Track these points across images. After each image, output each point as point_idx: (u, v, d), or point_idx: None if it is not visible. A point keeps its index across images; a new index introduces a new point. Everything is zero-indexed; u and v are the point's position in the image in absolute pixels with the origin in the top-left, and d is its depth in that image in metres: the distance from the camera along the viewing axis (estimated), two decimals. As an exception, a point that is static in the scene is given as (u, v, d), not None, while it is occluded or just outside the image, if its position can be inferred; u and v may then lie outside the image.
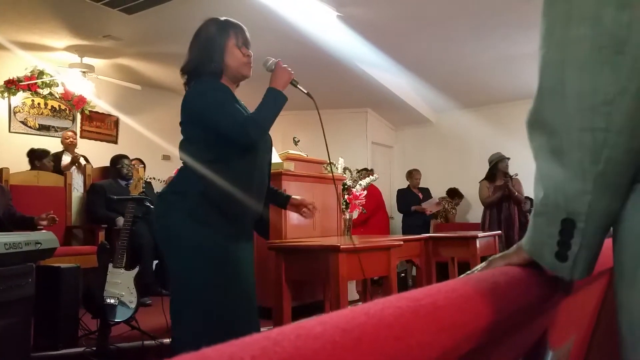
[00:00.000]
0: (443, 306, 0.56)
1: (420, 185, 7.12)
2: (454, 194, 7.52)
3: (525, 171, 5.80)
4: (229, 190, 1.79)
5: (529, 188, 6.02)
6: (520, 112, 6.94)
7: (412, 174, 7.02)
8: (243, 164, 1.84)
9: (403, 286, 5.00)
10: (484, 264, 0.81)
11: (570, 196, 0.60)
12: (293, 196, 2.23)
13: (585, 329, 1.22)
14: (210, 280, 1.77)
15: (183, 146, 1.88)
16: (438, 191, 7.52)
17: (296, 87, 2.00)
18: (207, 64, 1.85)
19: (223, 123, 1.78)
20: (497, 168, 5.62)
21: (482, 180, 5.79)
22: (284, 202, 2.22)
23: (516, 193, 5.52)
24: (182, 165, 1.92)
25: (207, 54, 1.86)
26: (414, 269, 5.66)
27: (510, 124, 7.24)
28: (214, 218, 1.79)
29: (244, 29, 1.93)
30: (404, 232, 6.49)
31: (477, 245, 3.94)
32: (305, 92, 2.03)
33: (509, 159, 5.70)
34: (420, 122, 8.16)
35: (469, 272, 0.81)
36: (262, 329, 3.36)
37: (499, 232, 4.95)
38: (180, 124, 1.89)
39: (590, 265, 0.65)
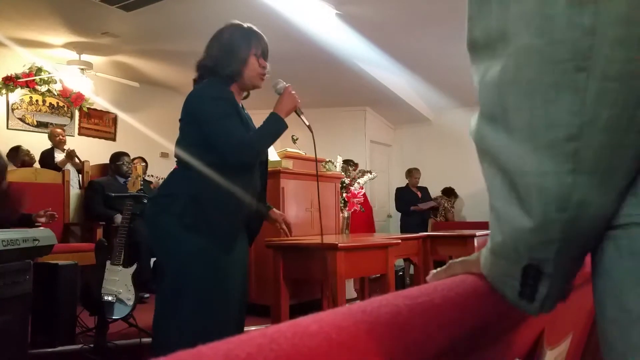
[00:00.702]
0: (440, 304, 0.56)
1: (419, 184, 7.12)
2: (449, 193, 7.51)
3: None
4: (221, 194, 1.78)
5: None
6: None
7: (411, 173, 7.02)
8: (237, 169, 1.83)
9: (401, 284, 5.01)
10: (443, 267, 0.74)
11: (534, 246, 0.50)
12: (274, 209, 2.20)
13: (582, 327, 1.22)
14: (195, 286, 1.75)
15: (180, 145, 1.87)
16: (436, 190, 7.53)
17: (299, 117, 2.00)
18: (224, 67, 1.85)
19: (219, 138, 1.77)
20: None
21: None
22: (265, 212, 2.18)
23: None
24: (175, 167, 1.92)
25: (227, 58, 1.85)
26: (412, 267, 5.68)
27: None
28: (203, 223, 1.77)
29: (264, 40, 1.93)
30: (402, 231, 6.50)
31: (475, 243, 3.95)
32: (307, 124, 2.03)
33: None
34: (418, 121, 8.16)
35: (430, 274, 0.75)
36: (260, 327, 3.37)
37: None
38: (180, 120, 1.88)
39: (563, 296, 0.57)
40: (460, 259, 0.73)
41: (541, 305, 0.55)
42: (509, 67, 0.45)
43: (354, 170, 5.06)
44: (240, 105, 1.96)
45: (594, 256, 0.53)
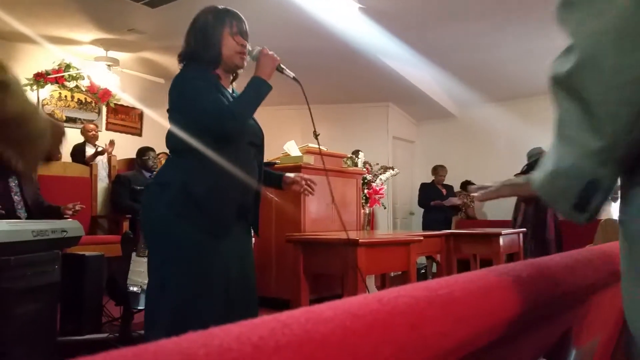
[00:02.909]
0: (460, 297, 0.55)
1: (444, 182, 7.02)
2: (467, 186, 7.37)
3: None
4: (213, 180, 1.76)
5: None
6: (547, 106, 6.86)
7: (437, 170, 6.90)
8: (228, 156, 1.78)
9: (423, 282, 4.96)
10: (492, 188, 0.89)
11: (601, 163, 0.61)
12: (286, 174, 2.14)
13: (611, 329, 1.19)
14: (183, 275, 1.72)
15: (168, 135, 1.86)
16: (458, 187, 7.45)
17: (282, 72, 1.93)
18: (203, 52, 1.83)
19: (200, 112, 1.74)
20: (537, 164, 5.50)
21: (518, 174, 5.69)
22: (278, 182, 2.13)
23: None
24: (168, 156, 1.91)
25: (203, 42, 1.83)
26: (435, 265, 5.62)
27: (537, 119, 7.09)
28: (193, 211, 1.74)
29: (241, 18, 1.89)
30: (425, 228, 6.44)
31: (501, 242, 3.89)
32: (292, 76, 1.95)
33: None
34: (443, 117, 8.06)
35: (473, 193, 0.94)
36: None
37: (524, 229, 4.87)
38: (167, 110, 1.87)
39: (604, 205, 0.68)
40: (509, 181, 0.87)
41: (590, 215, 0.66)
42: (611, 22, 0.56)
43: (362, 157, 4.96)
44: (231, 90, 1.93)
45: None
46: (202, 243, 1.75)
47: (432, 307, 0.52)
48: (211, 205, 1.76)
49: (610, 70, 0.57)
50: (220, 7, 1.90)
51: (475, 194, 0.90)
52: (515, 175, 5.74)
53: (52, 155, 0.87)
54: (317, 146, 4.15)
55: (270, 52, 1.87)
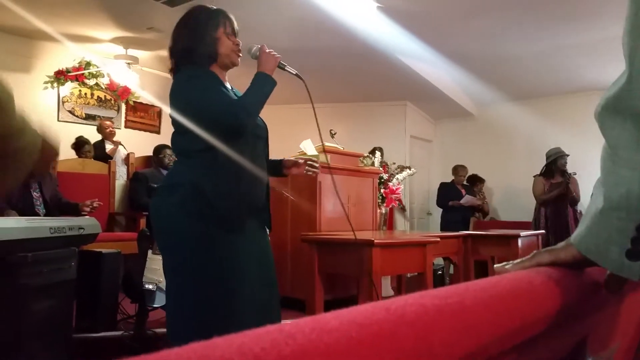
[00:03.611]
0: (470, 306, 0.53)
1: (464, 182, 6.94)
2: (475, 180, 7.26)
3: (570, 166, 5.63)
4: (219, 180, 1.75)
5: (585, 188, 5.82)
6: (570, 105, 6.68)
7: (457, 170, 6.81)
8: (235, 150, 1.78)
9: (440, 284, 4.93)
10: (528, 257, 0.76)
11: None
12: (284, 159, 2.13)
13: (631, 337, 1.16)
14: (199, 274, 1.72)
15: (173, 137, 1.86)
16: (478, 187, 7.37)
17: (284, 69, 1.95)
18: (198, 51, 1.84)
19: (210, 108, 1.75)
20: (555, 164, 5.43)
21: (537, 175, 5.61)
22: (279, 169, 2.12)
23: (573, 193, 5.33)
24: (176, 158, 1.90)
25: (199, 41, 1.84)
26: (452, 266, 5.57)
27: (560, 118, 7.00)
28: (205, 210, 1.73)
29: (232, 19, 1.92)
30: (443, 229, 6.38)
31: (519, 244, 3.84)
32: (294, 72, 1.97)
33: (568, 155, 5.49)
34: (461, 115, 7.98)
35: (508, 264, 0.77)
36: (291, 321, 3.38)
37: (543, 231, 4.81)
38: (170, 114, 1.86)
39: None
40: (547, 248, 0.73)
41: None
42: None
43: (378, 157, 4.93)
44: (230, 87, 1.94)
45: None
46: (216, 239, 1.75)
47: (441, 317, 0.50)
48: (223, 201, 1.76)
49: None
50: (211, 6, 1.92)
51: (508, 267, 0.79)
52: (533, 176, 5.66)
53: (39, 173, 0.84)
54: (334, 145, 4.14)
55: (269, 50, 1.89)
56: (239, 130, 1.78)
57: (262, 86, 1.83)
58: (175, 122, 1.84)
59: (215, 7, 1.91)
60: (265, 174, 1.94)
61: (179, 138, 1.84)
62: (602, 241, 0.60)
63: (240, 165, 1.79)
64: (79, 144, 5.51)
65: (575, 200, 5.40)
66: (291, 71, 1.97)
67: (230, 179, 1.77)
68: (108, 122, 5.98)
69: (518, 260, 0.76)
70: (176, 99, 1.82)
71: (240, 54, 1.92)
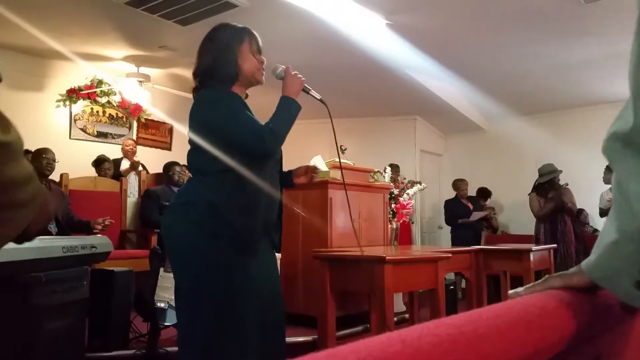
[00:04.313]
0: (484, 334, 0.53)
1: (469, 194, 6.90)
2: (484, 194, 7.21)
3: (580, 180, 5.59)
4: (237, 201, 1.74)
5: (582, 198, 5.79)
6: (579, 119, 6.66)
7: (457, 185, 6.74)
8: (254, 174, 1.78)
9: (452, 299, 4.88)
10: (540, 281, 0.77)
11: None
12: (293, 169, 2.13)
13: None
14: (214, 293, 1.70)
15: (191, 156, 1.84)
16: (488, 201, 7.33)
17: (308, 93, 1.94)
18: (222, 68, 1.83)
19: (238, 133, 1.73)
20: (549, 182, 5.40)
21: (531, 193, 5.59)
22: (289, 179, 2.10)
23: (569, 204, 5.29)
24: (190, 175, 1.88)
25: (223, 58, 1.83)
26: (464, 281, 5.52)
27: (566, 133, 6.98)
28: (221, 229, 1.72)
29: (257, 36, 1.91)
30: (454, 244, 6.34)
31: (531, 259, 3.80)
32: (318, 98, 1.96)
33: (561, 171, 5.48)
34: (471, 130, 7.97)
35: (520, 289, 0.78)
36: (306, 338, 3.36)
37: (554, 245, 4.76)
38: (188, 133, 1.84)
39: None
40: (558, 273, 0.75)
41: None
42: None
43: (397, 175, 4.94)
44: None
45: None
46: (233, 262, 1.73)
47: (456, 347, 0.50)
48: (240, 223, 1.75)
49: None
50: (237, 24, 1.91)
51: (520, 291, 0.80)
52: (528, 194, 5.62)
53: (33, 231, 0.74)
54: (344, 161, 4.15)
55: (295, 72, 1.88)
56: (266, 156, 1.79)
57: (289, 111, 1.82)
58: (193, 141, 1.82)
59: (239, 25, 1.91)
60: (279, 194, 1.94)
61: (196, 156, 1.82)
62: (614, 272, 0.61)
63: (258, 187, 1.78)
64: (99, 162, 5.57)
65: (572, 212, 5.37)
66: (315, 96, 1.95)
67: (248, 200, 1.77)
68: (130, 141, 6.06)
69: (530, 284, 0.77)
70: (199, 120, 1.81)
71: (264, 72, 1.90)
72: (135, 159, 5.87)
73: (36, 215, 0.70)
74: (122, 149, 6.00)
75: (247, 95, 1.95)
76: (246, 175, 1.75)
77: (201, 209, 1.73)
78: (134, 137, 6.75)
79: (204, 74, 1.87)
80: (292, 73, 1.87)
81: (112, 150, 6.16)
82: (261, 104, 1.96)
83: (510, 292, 0.77)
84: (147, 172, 5.80)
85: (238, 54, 1.84)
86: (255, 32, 1.91)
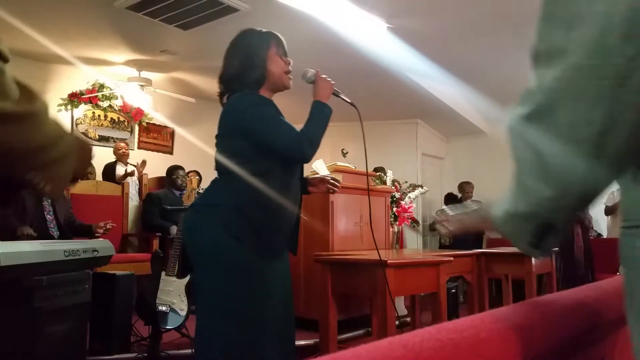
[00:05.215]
0: (486, 338, 0.53)
1: (473, 199, 6.90)
2: (452, 200, 7.17)
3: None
4: (265, 204, 1.76)
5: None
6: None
7: (463, 187, 6.77)
8: (281, 179, 1.81)
9: (454, 302, 4.86)
10: (455, 220, 1.02)
11: (552, 210, 0.65)
12: (309, 177, 2.13)
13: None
14: (238, 295, 1.72)
15: (221, 158, 1.84)
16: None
17: (338, 96, 1.96)
18: (250, 72, 1.83)
19: (277, 139, 1.75)
20: None
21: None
22: (305, 187, 2.10)
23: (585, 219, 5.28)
24: (215, 177, 1.89)
25: (251, 63, 1.84)
26: (465, 284, 5.51)
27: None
28: (247, 232, 1.73)
29: (282, 40, 1.91)
30: (456, 247, 6.33)
31: (533, 262, 3.79)
32: (349, 101, 1.98)
33: None
34: (473, 133, 7.97)
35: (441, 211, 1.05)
36: (307, 342, 3.35)
37: (556, 248, 4.75)
38: (218, 136, 1.86)
39: (556, 245, 0.74)
40: (471, 207, 0.97)
41: (545, 250, 0.70)
42: (564, 77, 0.58)
43: (390, 175, 4.91)
44: None
45: (623, 250, 0.66)
46: (254, 265, 1.75)
47: (458, 352, 0.50)
48: (267, 227, 1.77)
49: (566, 125, 0.58)
50: (262, 29, 1.92)
51: (441, 228, 0.95)
52: None
53: (80, 175, 0.90)
54: (345, 164, 4.15)
55: (324, 76, 1.89)
56: (304, 161, 1.84)
57: (323, 116, 1.84)
58: (224, 143, 1.84)
59: (265, 30, 1.92)
60: (299, 199, 1.97)
61: (226, 159, 1.82)
62: (510, 231, 0.73)
63: (285, 193, 1.81)
64: None
65: (581, 220, 5.36)
66: (345, 99, 1.98)
67: (274, 206, 1.78)
68: (122, 144, 6.02)
69: (448, 219, 1.03)
70: (234, 124, 1.81)
71: (291, 76, 1.91)
72: (131, 161, 5.86)
73: (76, 163, 0.81)
74: (115, 152, 5.93)
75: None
76: (275, 180, 1.78)
77: (229, 211, 1.74)
78: (136, 141, 6.76)
79: (230, 79, 1.88)
80: (322, 76, 1.89)
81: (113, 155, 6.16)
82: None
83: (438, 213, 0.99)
84: (145, 175, 5.78)
85: (266, 57, 1.85)
86: (280, 36, 1.92)
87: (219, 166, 1.86)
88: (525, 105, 0.64)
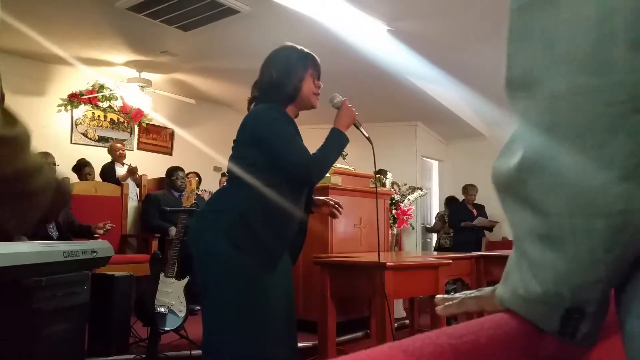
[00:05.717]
0: (485, 344, 0.53)
1: (475, 202, 6.88)
2: (452, 203, 7.17)
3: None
4: (270, 214, 1.79)
5: None
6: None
7: (467, 190, 6.76)
8: (288, 195, 1.84)
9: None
10: (456, 302, 0.71)
11: (578, 287, 0.49)
12: (315, 197, 2.16)
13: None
14: (239, 302, 1.74)
15: (234, 163, 1.87)
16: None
17: (358, 128, 2.03)
18: (283, 87, 1.88)
19: (288, 158, 1.80)
20: None
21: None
22: (309, 206, 2.13)
23: None
24: (225, 183, 1.93)
25: (286, 78, 1.88)
26: (464, 287, 5.51)
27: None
28: (250, 241, 1.76)
29: (319, 64, 1.98)
30: (455, 248, 6.33)
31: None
32: (367, 135, 2.05)
33: None
34: (472, 136, 7.98)
35: (438, 308, 0.73)
36: (306, 344, 3.35)
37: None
38: (235, 142, 1.89)
39: (600, 327, 0.55)
40: (473, 293, 0.70)
41: (581, 341, 0.54)
42: (552, 109, 0.45)
43: (390, 178, 4.92)
44: None
45: (621, 294, 0.51)
46: (258, 272, 1.78)
47: (458, 357, 0.50)
48: (269, 238, 1.80)
49: (570, 175, 0.44)
50: (303, 49, 1.97)
51: (438, 308, 0.72)
52: None
53: (52, 216, 0.83)
54: (345, 166, 4.15)
55: (350, 105, 1.96)
56: (309, 184, 1.91)
57: (339, 145, 1.91)
58: (240, 150, 1.87)
59: (306, 50, 1.97)
60: (303, 210, 1.99)
61: (239, 166, 1.85)
62: (533, 318, 0.57)
63: (291, 206, 1.85)
64: (80, 166, 5.48)
65: None
66: (364, 133, 2.05)
67: (279, 218, 1.82)
68: (119, 145, 6.00)
69: (446, 304, 0.72)
70: (253, 133, 1.85)
71: (319, 98, 1.97)
72: (127, 162, 5.85)
73: (53, 201, 0.73)
74: (111, 152, 5.90)
75: (297, 115, 2.01)
76: (284, 192, 1.81)
77: (232, 219, 1.77)
78: (135, 142, 6.76)
79: (265, 87, 1.92)
80: (348, 105, 1.95)
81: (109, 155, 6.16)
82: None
83: (438, 308, 0.72)
84: (144, 176, 5.77)
85: (303, 77, 1.91)
86: (318, 60, 1.98)
87: (229, 172, 1.90)
88: (512, 154, 0.52)
